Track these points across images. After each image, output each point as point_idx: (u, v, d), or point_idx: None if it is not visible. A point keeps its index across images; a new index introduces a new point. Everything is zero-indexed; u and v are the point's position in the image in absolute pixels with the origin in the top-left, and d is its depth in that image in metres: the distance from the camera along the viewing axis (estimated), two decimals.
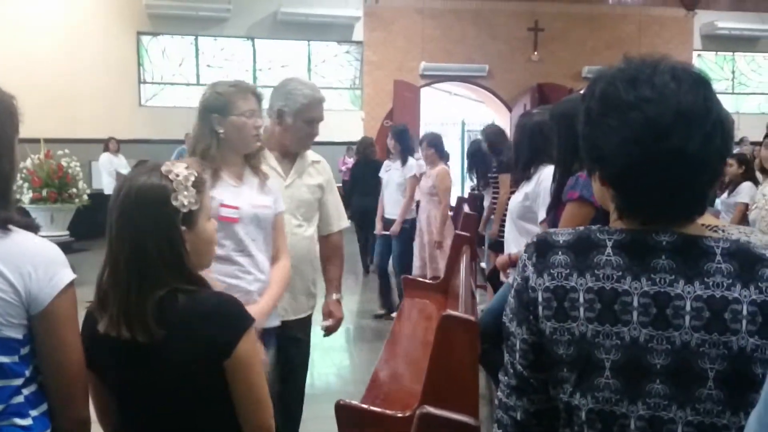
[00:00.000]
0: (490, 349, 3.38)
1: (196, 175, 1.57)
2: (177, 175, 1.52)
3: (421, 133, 14.14)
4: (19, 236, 1.47)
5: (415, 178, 6.14)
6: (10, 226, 1.46)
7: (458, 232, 5.98)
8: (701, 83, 1.06)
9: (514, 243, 3.53)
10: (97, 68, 13.04)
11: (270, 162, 2.75)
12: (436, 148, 6.13)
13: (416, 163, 6.35)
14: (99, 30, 13.06)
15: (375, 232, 6.52)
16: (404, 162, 6.19)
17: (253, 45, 14.18)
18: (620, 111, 1.05)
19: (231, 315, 1.53)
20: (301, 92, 2.88)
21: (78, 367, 1.53)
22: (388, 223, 6.24)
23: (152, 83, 13.82)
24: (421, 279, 5.83)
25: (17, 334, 1.44)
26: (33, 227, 1.53)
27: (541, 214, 3.35)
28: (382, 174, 6.44)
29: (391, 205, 6.26)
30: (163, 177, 1.52)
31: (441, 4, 14.68)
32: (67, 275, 1.49)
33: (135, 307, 1.46)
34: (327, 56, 14.58)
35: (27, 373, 1.48)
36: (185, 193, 1.51)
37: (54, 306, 1.46)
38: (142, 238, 1.48)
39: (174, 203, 1.50)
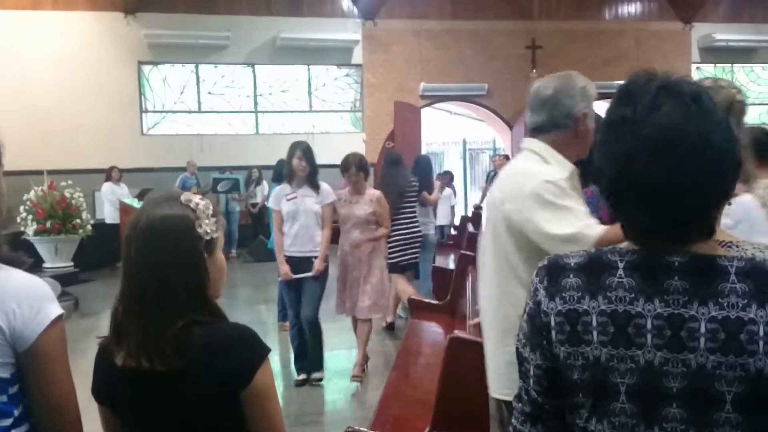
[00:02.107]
0: None
1: (212, 205, 1.58)
2: (197, 204, 1.53)
3: (424, 153, 14.19)
4: (3, 272, 1.44)
5: (333, 206, 5.18)
6: None
7: (463, 252, 5.96)
8: (689, 104, 1.02)
9: None
10: (99, 98, 13.14)
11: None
12: (365, 172, 5.39)
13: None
14: (100, 61, 13.19)
15: (279, 278, 5.21)
16: (316, 187, 5.09)
17: (254, 71, 14.28)
18: (609, 130, 1.07)
19: (248, 346, 1.52)
20: (592, 87, 2.37)
21: (69, 403, 1.50)
22: (298, 263, 5.06)
23: (154, 112, 13.91)
24: (426, 300, 5.80)
25: (4, 373, 1.41)
26: (19, 262, 1.50)
27: None
28: (279, 203, 5.12)
29: (303, 240, 5.05)
30: (184, 207, 1.53)
31: (438, 25, 14.79)
32: (54, 310, 1.46)
33: (155, 337, 1.45)
34: (327, 80, 14.68)
35: (16, 412, 1.44)
36: (206, 221, 1.53)
37: (41, 342, 1.42)
38: (166, 267, 1.48)
39: (198, 230, 1.50)
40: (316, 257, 5.02)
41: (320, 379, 5.25)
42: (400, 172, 6.60)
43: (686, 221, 1.04)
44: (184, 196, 1.54)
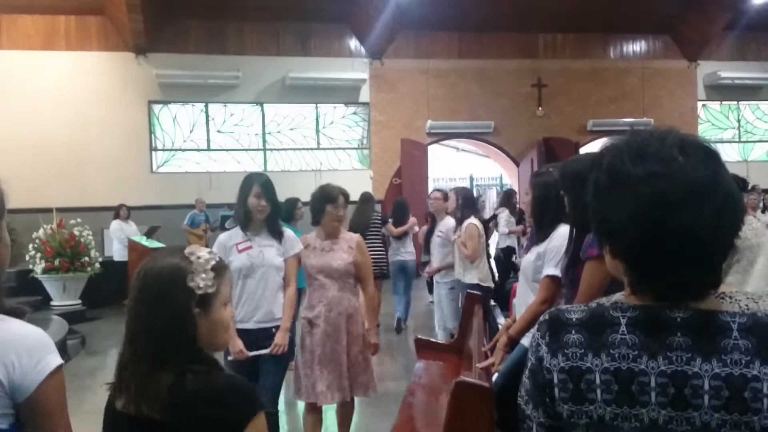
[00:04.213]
0: (506, 413, 3.30)
1: (218, 259, 1.59)
2: (198, 258, 1.54)
3: (430, 190, 14.37)
4: (3, 324, 1.46)
5: (297, 259, 3.98)
6: None
7: (470, 291, 5.93)
8: (710, 157, 1.05)
9: (527, 304, 3.48)
10: (110, 137, 13.29)
11: None
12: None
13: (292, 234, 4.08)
14: (111, 100, 13.37)
15: (228, 357, 3.68)
16: (278, 234, 3.89)
17: (262, 109, 14.42)
18: (628, 185, 1.04)
19: (240, 399, 1.51)
20: None
21: None
22: (255, 337, 3.75)
23: (163, 150, 14.04)
24: (432, 339, 5.75)
25: (3, 424, 1.43)
26: (20, 312, 1.52)
27: (546, 270, 3.33)
28: (227, 255, 3.74)
29: (262, 306, 3.81)
30: (183, 258, 1.55)
31: (444, 64, 14.95)
32: (53, 361, 1.47)
33: (150, 385, 1.47)
34: (335, 118, 14.81)
35: None
36: (203, 275, 1.53)
37: (39, 393, 1.44)
38: (155, 316, 1.50)
39: (189, 284, 1.51)
40: (278, 326, 3.79)
41: None
42: (370, 208, 8.49)
43: (710, 272, 1.05)
44: (188, 249, 1.56)
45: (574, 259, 2.82)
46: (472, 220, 6.03)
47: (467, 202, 6.27)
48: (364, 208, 8.42)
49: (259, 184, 3.82)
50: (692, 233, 1.00)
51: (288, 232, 4.00)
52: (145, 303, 1.52)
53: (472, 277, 5.97)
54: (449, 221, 6.65)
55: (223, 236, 3.95)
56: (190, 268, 1.53)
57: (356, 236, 4.23)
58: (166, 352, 1.49)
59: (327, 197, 4.08)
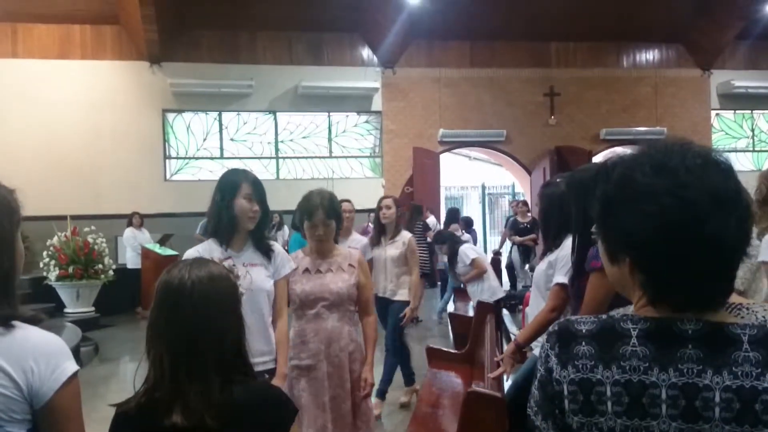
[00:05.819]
0: (518, 423, 3.29)
1: None
2: (231, 270, 1.61)
3: (443, 198, 14.65)
4: (21, 331, 1.48)
5: (286, 280, 3.16)
6: (13, 322, 1.47)
7: (480, 301, 5.92)
8: (729, 168, 1.06)
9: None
10: (124, 145, 13.40)
11: None
12: (339, 219, 3.45)
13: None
14: (125, 108, 13.48)
15: None
16: (266, 249, 3.06)
17: (275, 118, 14.50)
18: (653, 196, 1.03)
19: (281, 405, 1.59)
20: None
21: None
22: None
23: (177, 158, 14.13)
24: (444, 349, 5.74)
25: (20, 430, 1.44)
26: (37, 320, 1.54)
27: (556, 278, 3.33)
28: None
29: (251, 340, 2.30)
30: (224, 268, 1.62)
31: (456, 73, 14.97)
32: (70, 368, 1.49)
33: (214, 394, 1.49)
34: (347, 126, 14.86)
35: None
36: (240, 282, 1.60)
37: (56, 399, 1.46)
38: (223, 324, 1.54)
39: (241, 291, 1.60)
40: (270, 370, 2.94)
41: None
42: (416, 218, 10.20)
43: (728, 282, 1.06)
44: (216, 260, 1.63)
45: (578, 270, 2.82)
46: (409, 234, 5.84)
47: (403, 215, 6.02)
48: (413, 217, 10.14)
49: (249, 182, 3.02)
50: (719, 243, 1.01)
51: (278, 246, 3.16)
52: (212, 310, 1.53)
53: (403, 294, 5.73)
54: (359, 237, 6.11)
55: (192, 252, 2.90)
56: (234, 276, 1.62)
57: (356, 253, 3.54)
58: (225, 358, 1.53)
59: (304, 212, 3.37)
